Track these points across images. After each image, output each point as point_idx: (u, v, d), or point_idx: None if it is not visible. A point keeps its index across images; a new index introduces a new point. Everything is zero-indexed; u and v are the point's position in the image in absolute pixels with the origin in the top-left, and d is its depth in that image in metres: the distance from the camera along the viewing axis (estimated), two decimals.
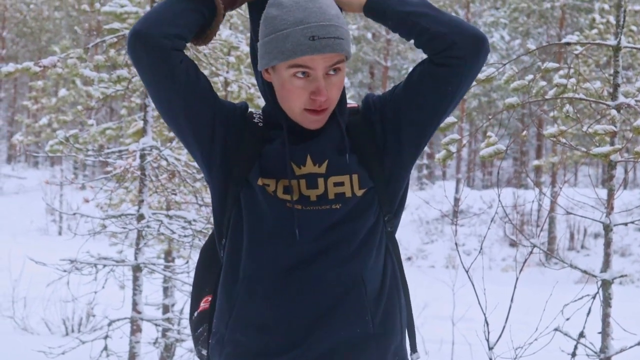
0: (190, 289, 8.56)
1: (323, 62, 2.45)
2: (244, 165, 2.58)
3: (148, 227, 7.65)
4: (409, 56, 37.66)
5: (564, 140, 5.73)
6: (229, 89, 10.56)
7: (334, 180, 2.55)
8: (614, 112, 5.29)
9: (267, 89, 2.63)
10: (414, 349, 2.74)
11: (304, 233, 2.52)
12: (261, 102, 10.05)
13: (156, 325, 8.30)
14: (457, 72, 2.56)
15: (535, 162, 15.82)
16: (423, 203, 26.87)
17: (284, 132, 2.57)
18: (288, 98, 2.52)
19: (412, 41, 2.60)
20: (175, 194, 8.57)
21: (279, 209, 2.54)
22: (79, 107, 14.03)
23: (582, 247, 27.11)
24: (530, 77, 5.50)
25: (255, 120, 2.64)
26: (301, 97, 2.49)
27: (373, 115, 2.65)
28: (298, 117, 2.54)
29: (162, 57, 2.48)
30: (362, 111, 2.68)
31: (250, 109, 2.70)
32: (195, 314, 2.79)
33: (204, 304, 2.78)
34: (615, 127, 5.30)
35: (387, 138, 2.63)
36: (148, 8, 7.86)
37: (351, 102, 2.70)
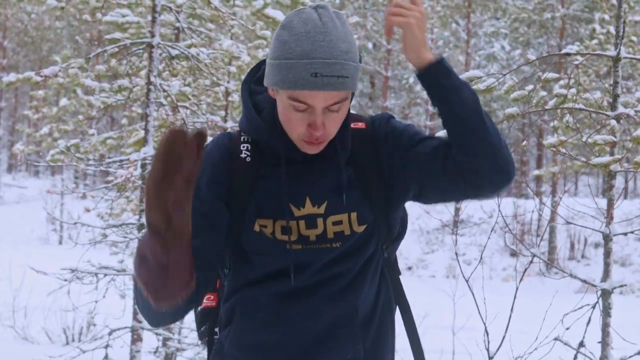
0: None
1: (323, 99, 2.38)
2: (239, 207, 2.53)
3: None
4: (410, 66, 37.63)
5: (564, 150, 5.74)
6: (229, 98, 10.57)
7: (332, 220, 2.53)
8: (613, 122, 5.30)
9: (270, 105, 2.57)
10: None
11: (302, 271, 2.53)
12: None
13: (157, 334, 8.31)
14: (471, 193, 2.54)
15: (536, 172, 15.84)
16: (424, 213, 26.85)
17: (281, 168, 2.51)
18: (286, 124, 2.48)
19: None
20: None
21: (278, 248, 2.52)
22: (80, 117, 14.03)
23: (583, 256, 27.10)
24: (531, 87, 5.52)
25: (243, 156, 2.56)
26: (298, 127, 2.44)
27: (383, 147, 2.59)
28: (295, 142, 2.50)
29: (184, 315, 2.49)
30: (370, 134, 2.61)
31: (232, 136, 2.60)
32: (199, 309, 2.81)
33: (206, 301, 2.79)
34: (615, 137, 5.31)
35: (392, 177, 2.58)
36: (149, 18, 7.88)
37: (357, 123, 2.63)
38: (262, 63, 2.63)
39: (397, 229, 2.68)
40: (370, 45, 36.46)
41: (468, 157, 2.45)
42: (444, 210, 29.34)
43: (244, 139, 2.58)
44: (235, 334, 2.60)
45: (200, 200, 2.45)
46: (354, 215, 2.53)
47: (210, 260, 2.48)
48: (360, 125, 2.62)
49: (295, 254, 2.51)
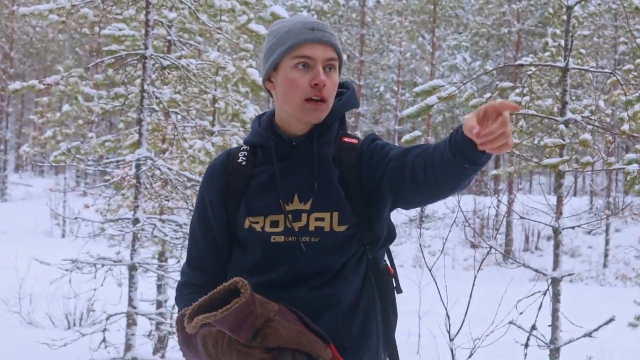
0: None
1: (322, 52, 2.51)
2: (233, 205, 2.59)
3: (143, 230, 7.64)
4: (380, 76, 37.78)
5: (518, 152, 5.76)
6: (216, 105, 10.55)
7: (315, 216, 2.52)
8: (562, 127, 5.33)
9: (267, 115, 2.66)
10: None
11: (287, 263, 2.51)
12: (246, 117, 10.04)
13: (150, 319, 8.28)
14: (429, 195, 2.46)
15: (494, 172, 15.87)
16: None
17: (273, 166, 2.56)
18: (290, 90, 2.53)
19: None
20: (168, 200, 8.56)
21: (265, 242, 2.52)
22: (81, 121, 13.99)
23: (536, 248, 27.22)
24: (489, 95, 5.54)
25: (239, 160, 2.65)
26: (302, 86, 2.50)
27: (364, 158, 2.60)
28: (299, 111, 2.52)
29: None
30: (358, 150, 2.63)
31: (232, 150, 2.71)
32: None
33: None
34: (564, 140, 5.34)
35: (371, 185, 2.57)
36: (143, 32, 7.85)
37: (351, 138, 2.66)
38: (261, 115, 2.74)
39: (383, 235, 2.63)
40: (344, 56, 36.48)
41: (438, 183, 2.39)
42: None
43: (243, 148, 2.68)
44: None
45: (204, 200, 2.65)
46: (335, 214, 2.52)
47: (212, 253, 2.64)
48: (354, 140, 2.66)
49: (277, 246, 2.51)
